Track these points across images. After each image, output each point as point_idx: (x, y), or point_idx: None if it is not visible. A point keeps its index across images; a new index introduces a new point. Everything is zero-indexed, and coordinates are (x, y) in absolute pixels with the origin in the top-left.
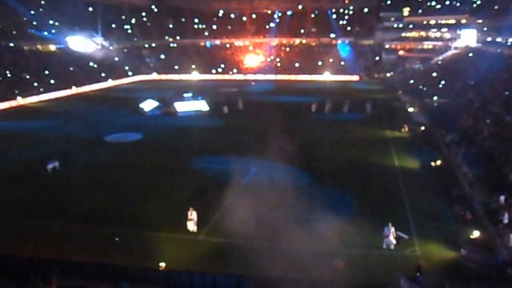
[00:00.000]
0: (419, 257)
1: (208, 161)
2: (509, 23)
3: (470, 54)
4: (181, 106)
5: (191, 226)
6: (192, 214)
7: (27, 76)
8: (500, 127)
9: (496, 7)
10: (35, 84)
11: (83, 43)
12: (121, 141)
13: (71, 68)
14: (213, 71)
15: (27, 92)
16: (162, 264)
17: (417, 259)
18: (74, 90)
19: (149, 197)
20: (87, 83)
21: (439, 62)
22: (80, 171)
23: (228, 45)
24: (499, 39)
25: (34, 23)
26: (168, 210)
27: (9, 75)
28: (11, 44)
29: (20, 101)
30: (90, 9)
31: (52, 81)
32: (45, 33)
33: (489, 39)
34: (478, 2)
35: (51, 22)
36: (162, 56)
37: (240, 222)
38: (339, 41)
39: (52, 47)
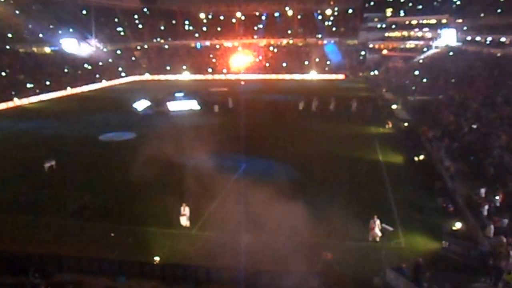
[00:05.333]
0: (404, 248)
1: (200, 158)
2: (487, 23)
3: (451, 53)
4: (173, 106)
5: (184, 221)
6: (185, 210)
7: (23, 78)
8: (480, 123)
9: (475, 7)
10: (31, 85)
11: (77, 45)
12: (115, 140)
13: (65, 70)
14: (204, 71)
15: (23, 93)
16: (157, 258)
17: (402, 250)
18: (69, 91)
19: (143, 193)
20: (82, 84)
21: (421, 61)
22: (76, 169)
23: (217, 46)
24: (478, 38)
25: (30, 26)
26: (162, 206)
27: (5, 76)
28: (7, 47)
29: (16, 102)
30: (84, 12)
31: (47, 82)
32: (40, 35)
33: (468, 38)
34: (458, 3)
35: (45, 25)
36: (154, 57)
37: (231, 216)
38: (325, 41)
39: (47, 49)
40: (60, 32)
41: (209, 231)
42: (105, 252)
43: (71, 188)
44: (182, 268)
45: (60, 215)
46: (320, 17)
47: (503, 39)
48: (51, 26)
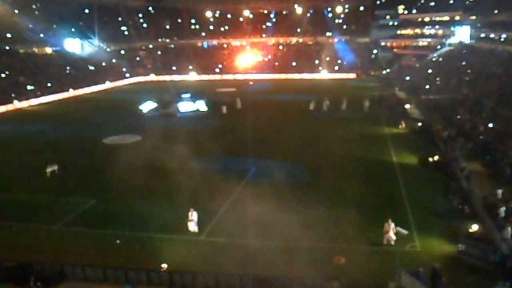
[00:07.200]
0: (419, 252)
1: (208, 161)
2: (501, 19)
3: (464, 51)
4: (179, 107)
5: (192, 226)
6: (193, 215)
7: (24, 80)
8: (496, 122)
9: (488, 3)
10: (32, 87)
11: (80, 45)
12: (120, 143)
13: (67, 71)
14: (211, 71)
15: (24, 95)
16: (164, 265)
17: (417, 254)
18: (72, 92)
19: (149, 198)
20: (85, 86)
21: (434, 59)
22: (79, 174)
23: (225, 45)
24: (492, 35)
25: (30, 26)
26: (169, 211)
27: (5, 78)
28: (7, 47)
29: (16, 104)
30: (86, 11)
31: (49, 84)
32: (41, 35)
33: (482, 35)
34: None
35: (47, 24)
36: (160, 57)
37: (241, 221)
38: (336, 40)
39: (49, 50)
40: (61, 32)
41: (218, 236)
42: (110, 259)
43: (74, 193)
44: (190, 275)
45: (63, 221)
46: (330, 14)
47: None
48: (52, 26)
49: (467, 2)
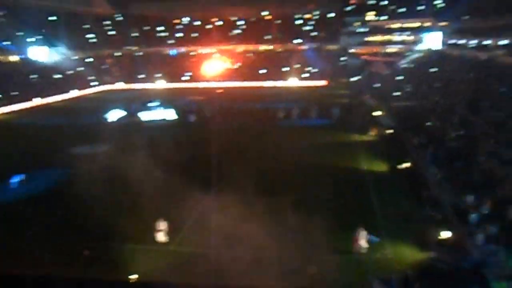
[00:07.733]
0: (391, 259)
1: (176, 171)
2: (471, 26)
3: (434, 57)
4: (147, 115)
5: (161, 237)
6: (162, 225)
7: None
8: (466, 128)
9: (458, 10)
10: None
11: (45, 53)
12: (88, 153)
13: (33, 79)
14: (179, 79)
15: None
16: (134, 276)
17: (389, 262)
18: (38, 101)
19: (118, 209)
20: (51, 94)
21: (404, 66)
22: (46, 185)
23: (193, 53)
24: (461, 42)
25: None
26: (138, 222)
27: None
28: None
29: None
30: (52, 18)
31: (13, 93)
32: (5, 43)
33: (452, 41)
34: (441, 6)
35: (11, 32)
36: (127, 65)
37: (210, 231)
38: (305, 47)
39: (12, 58)
40: (26, 39)
41: (187, 246)
42: (78, 270)
43: (40, 206)
44: (160, 286)
45: (29, 234)
46: (299, 22)
47: (487, 42)
48: (17, 33)
49: (437, 9)
